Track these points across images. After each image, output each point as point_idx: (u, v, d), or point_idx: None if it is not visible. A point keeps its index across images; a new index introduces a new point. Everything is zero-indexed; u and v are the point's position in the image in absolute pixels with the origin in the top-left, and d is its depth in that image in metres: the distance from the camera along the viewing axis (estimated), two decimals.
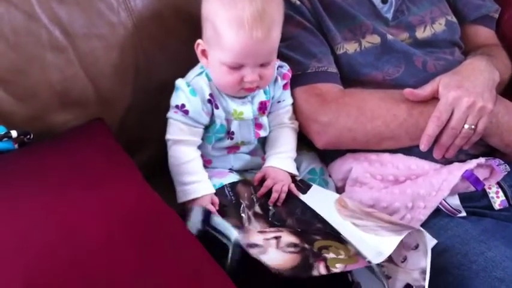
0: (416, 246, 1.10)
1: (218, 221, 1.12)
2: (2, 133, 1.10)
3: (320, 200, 1.24)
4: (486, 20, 1.53)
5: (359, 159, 1.31)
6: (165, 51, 1.32)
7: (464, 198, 1.25)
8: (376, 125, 1.26)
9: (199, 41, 1.20)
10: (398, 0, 1.40)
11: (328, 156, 1.38)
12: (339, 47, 1.34)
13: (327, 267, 1.04)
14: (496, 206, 1.25)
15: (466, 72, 1.26)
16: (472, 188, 1.24)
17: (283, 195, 1.22)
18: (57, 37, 1.18)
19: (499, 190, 1.26)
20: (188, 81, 1.22)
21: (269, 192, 1.24)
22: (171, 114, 1.23)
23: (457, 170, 1.23)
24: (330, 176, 1.37)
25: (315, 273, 1.03)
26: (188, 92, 1.20)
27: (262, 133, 1.30)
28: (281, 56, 1.28)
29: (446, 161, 1.27)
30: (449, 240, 1.18)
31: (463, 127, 1.19)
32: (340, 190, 1.35)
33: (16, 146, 1.13)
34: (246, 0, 1.11)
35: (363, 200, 1.26)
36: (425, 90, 1.24)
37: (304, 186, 1.28)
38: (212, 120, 1.24)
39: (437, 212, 1.23)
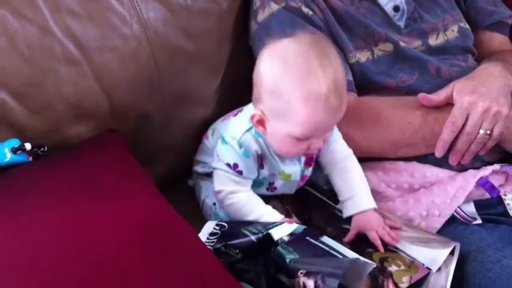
0: (439, 269, 1.11)
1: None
2: (16, 146, 1.11)
3: None
4: (500, 26, 1.52)
5: (373, 168, 1.30)
6: (178, 63, 1.33)
7: (479, 205, 1.24)
8: (391, 132, 1.25)
9: (255, 112, 1.12)
10: (410, 8, 1.39)
11: None
12: (351, 56, 1.33)
13: (395, 284, 1.07)
14: None
15: (480, 77, 1.25)
16: (487, 195, 1.23)
17: (392, 234, 1.16)
18: (71, 50, 1.18)
19: None
20: (238, 140, 1.16)
21: (299, 197, 1.27)
22: (221, 166, 1.18)
23: (472, 177, 1.22)
24: None
25: None
26: (242, 154, 1.16)
27: (303, 183, 1.29)
28: None
29: (461, 169, 1.27)
30: (464, 248, 1.16)
31: (479, 132, 1.19)
32: None
33: (30, 158, 1.14)
34: (318, 71, 1.02)
35: None
36: (440, 96, 1.24)
37: (335, 196, 1.27)
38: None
39: (452, 220, 1.22)
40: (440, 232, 1.21)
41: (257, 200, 1.19)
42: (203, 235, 1.14)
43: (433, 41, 1.39)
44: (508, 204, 1.24)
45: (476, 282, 1.13)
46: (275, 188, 1.25)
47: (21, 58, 1.15)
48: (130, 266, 0.90)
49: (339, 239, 1.16)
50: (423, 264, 1.11)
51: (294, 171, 1.22)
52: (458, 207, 1.22)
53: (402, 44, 1.34)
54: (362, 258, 1.07)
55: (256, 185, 1.23)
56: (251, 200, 1.19)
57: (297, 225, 1.12)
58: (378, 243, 1.15)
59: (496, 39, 1.52)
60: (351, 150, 1.25)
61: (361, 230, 1.19)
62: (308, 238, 1.08)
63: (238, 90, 1.47)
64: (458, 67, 1.37)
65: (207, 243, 1.10)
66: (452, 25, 1.42)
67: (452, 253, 1.12)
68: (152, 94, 1.31)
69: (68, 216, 0.95)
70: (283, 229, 1.10)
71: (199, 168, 1.37)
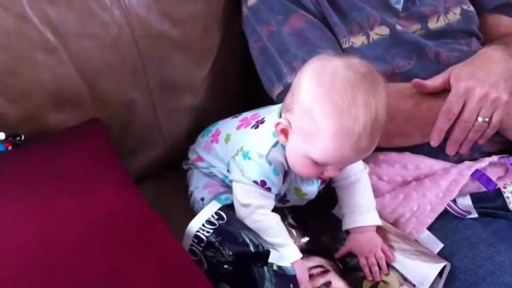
0: None
1: None
2: None
3: None
4: (507, 8, 1.43)
5: (365, 160, 1.23)
6: (163, 50, 1.30)
7: (477, 198, 1.19)
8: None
9: (281, 121, 1.06)
10: None
11: None
12: (344, 40, 1.28)
13: None
14: (511, 207, 1.17)
15: (479, 62, 1.18)
16: (484, 188, 1.17)
17: (383, 261, 1.13)
18: (49, 37, 1.16)
19: None
20: (266, 157, 1.09)
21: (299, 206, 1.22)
22: (246, 182, 1.11)
23: (466, 170, 1.17)
24: None
25: None
26: (271, 172, 1.10)
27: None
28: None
29: (458, 160, 1.21)
30: (456, 244, 1.12)
31: (476, 120, 1.12)
32: None
33: (10, 148, 1.12)
34: (360, 108, 0.95)
35: None
36: (435, 81, 1.18)
37: (330, 200, 1.24)
38: None
39: (445, 214, 1.17)
40: (432, 226, 1.16)
41: (284, 228, 1.13)
42: (200, 219, 1.10)
43: (433, 24, 1.32)
44: (508, 198, 1.18)
45: (467, 279, 1.08)
46: (287, 201, 1.21)
47: None
48: (90, 255, 0.89)
49: (331, 253, 1.17)
50: (414, 286, 1.08)
51: (310, 191, 1.18)
52: (453, 200, 1.16)
53: (399, 27, 1.28)
54: None
55: None
56: (281, 224, 1.12)
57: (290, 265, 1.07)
58: (366, 271, 1.13)
59: (503, 22, 1.43)
60: (365, 166, 1.19)
61: (353, 251, 1.16)
62: (291, 286, 1.03)
63: (229, 78, 1.46)
64: (459, 52, 1.30)
65: (201, 230, 1.08)
66: (454, 7, 1.34)
67: (440, 275, 1.08)
68: (136, 82, 1.29)
69: (31, 206, 0.94)
70: (279, 258, 1.06)
71: (200, 164, 1.31)
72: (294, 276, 1.05)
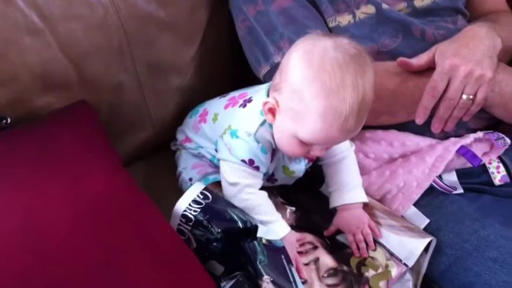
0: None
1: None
2: None
3: None
4: None
5: (351, 138, 1.25)
6: (149, 31, 1.29)
7: (462, 174, 1.20)
8: None
9: (269, 100, 1.06)
10: None
11: None
12: (331, 20, 1.28)
13: None
14: (496, 182, 1.20)
15: (464, 39, 1.18)
16: (469, 164, 1.18)
17: (370, 237, 1.15)
18: (34, 20, 1.15)
19: (500, 165, 1.20)
20: (254, 135, 1.10)
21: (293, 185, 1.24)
22: (234, 160, 1.11)
23: (452, 146, 1.18)
24: None
25: None
26: (259, 150, 1.10)
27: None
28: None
29: (443, 136, 1.22)
30: (442, 219, 1.14)
31: (461, 97, 1.12)
32: None
33: None
34: (348, 89, 0.96)
35: None
36: (421, 59, 1.18)
37: (320, 180, 1.25)
38: None
39: (431, 190, 1.18)
40: (418, 202, 1.17)
41: (272, 204, 1.15)
42: (186, 200, 1.11)
43: (419, 2, 1.32)
44: (493, 173, 1.20)
45: (453, 254, 1.10)
46: (275, 180, 1.22)
47: None
48: (80, 239, 0.90)
49: (320, 230, 1.18)
50: (400, 260, 1.11)
51: (298, 169, 1.19)
52: (438, 176, 1.18)
53: (384, 6, 1.28)
54: None
55: None
56: (268, 201, 1.14)
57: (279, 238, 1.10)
58: (354, 247, 1.15)
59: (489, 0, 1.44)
60: (351, 144, 1.21)
61: (340, 228, 1.18)
62: (282, 257, 1.05)
63: (217, 58, 1.45)
64: (445, 29, 1.30)
65: (188, 210, 1.08)
66: None
67: (426, 250, 1.10)
68: (124, 63, 1.28)
69: (19, 190, 0.93)
70: (267, 232, 1.08)
71: (189, 145, 1.31)
72: (283, 247, 1.07)
